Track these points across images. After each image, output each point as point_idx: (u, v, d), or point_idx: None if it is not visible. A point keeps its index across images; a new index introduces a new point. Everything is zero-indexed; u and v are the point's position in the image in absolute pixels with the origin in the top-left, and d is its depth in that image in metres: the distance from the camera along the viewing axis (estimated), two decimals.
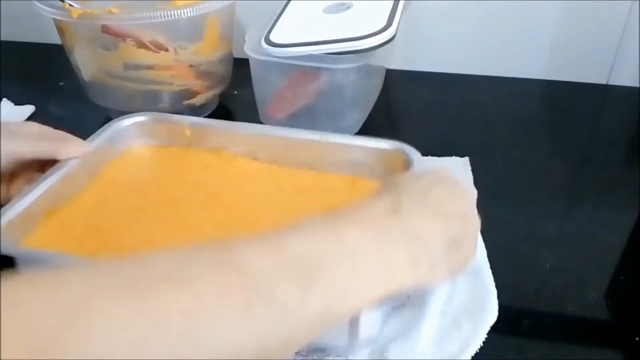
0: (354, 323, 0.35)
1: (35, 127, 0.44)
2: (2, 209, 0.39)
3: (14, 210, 0.39)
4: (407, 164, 0.48)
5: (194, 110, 0.66)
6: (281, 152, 0.50)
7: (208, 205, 0.46)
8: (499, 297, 0.41)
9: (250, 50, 0.58)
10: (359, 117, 0.63)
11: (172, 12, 0.55)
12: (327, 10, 0.61)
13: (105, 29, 0.57)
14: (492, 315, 0.40)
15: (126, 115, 0.52)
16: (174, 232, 0.43)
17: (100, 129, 0.49)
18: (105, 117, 0.67)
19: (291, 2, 0.64)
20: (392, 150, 0.48)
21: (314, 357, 0.37)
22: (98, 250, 0.40)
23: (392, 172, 0.49)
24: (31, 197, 0.41)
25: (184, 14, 0.55)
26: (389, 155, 0.48)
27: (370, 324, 0.37)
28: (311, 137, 0.49)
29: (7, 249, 0.36)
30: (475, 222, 0.35)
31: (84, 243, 0.41)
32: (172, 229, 0.43)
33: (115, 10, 0.55)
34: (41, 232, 0.41)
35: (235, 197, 0.47)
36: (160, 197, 0.47)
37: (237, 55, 0.68)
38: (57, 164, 0.44)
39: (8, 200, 0.41)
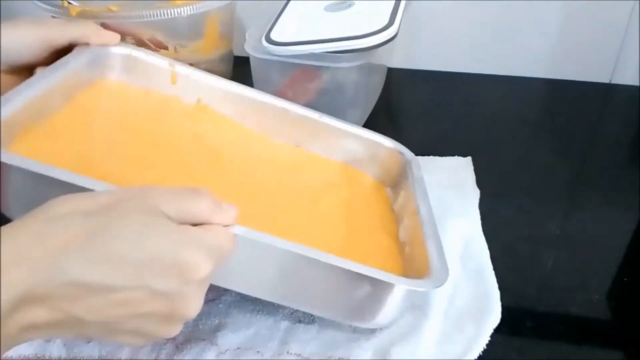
0: None
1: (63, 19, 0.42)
2: None
3: None
4: (402, 164, 0.49)
5: None
6: (273, 123, 0.48)
7: (190, 153, 0.43)
8: (501, 299, 0.41)
9: (250, 48, 0.58)
10: (360, 116, 0.63)
11: (172, 11, 0.54)
12: (329, 9, 0.61)
13: (104, 27, 0.56)
14: (495, 316, 0.39)
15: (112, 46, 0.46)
16: (154, 168, 0.40)
17: (78, 51, 0.42)
18: None
19: (292, 1, 0.64)
20: (386, 147, 0.50)
21: (314, 357, 0.36)
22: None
23: (385, 167, 0.50)
24: (9, 107, 0.35)
25: (184, 12, 0.55)
26: (384, 151, 0.50)
27: None
28: (309, 114, 0.49)
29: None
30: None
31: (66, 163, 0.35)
32: (151, 166, 0.40)
33: (114, 9, 0.54)
34: (20, 147, 0.35)
35: (216, 156, 0.44)
36: (139, 135, 0.43)
37: (237, 53, 0.68)
38: (39, 72, 0.39)
39: None
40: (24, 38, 0.39)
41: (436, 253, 0.38)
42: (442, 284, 0.35)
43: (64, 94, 0.40)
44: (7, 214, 0.32)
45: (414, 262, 0.40)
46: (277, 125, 0.49)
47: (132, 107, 0.45)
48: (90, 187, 0.30)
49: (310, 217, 0.44)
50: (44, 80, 0.38)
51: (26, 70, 0.40)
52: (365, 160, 0.51)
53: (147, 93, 0.46)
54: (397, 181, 0.49)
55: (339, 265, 0.33)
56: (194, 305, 0.28)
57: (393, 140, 0.51)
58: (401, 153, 0.50)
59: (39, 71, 0.40)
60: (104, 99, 0.44)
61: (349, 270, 0.33)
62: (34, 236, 0.24)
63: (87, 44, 0.42)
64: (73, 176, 0.30)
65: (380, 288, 0.35)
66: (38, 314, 0.24)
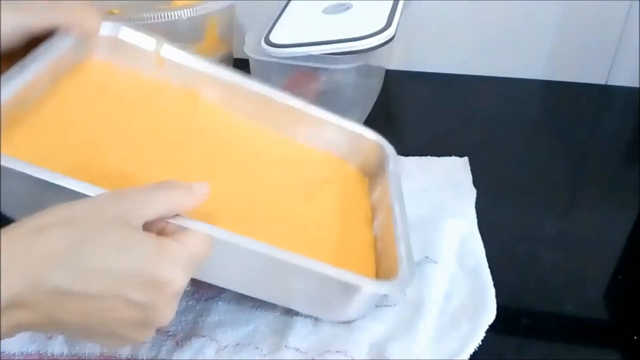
0: None
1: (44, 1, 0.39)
2: None
3: None
4: (381, 157, 0.50)
5: None
6: (259, 109, 0.49)
7: (178, 142, 0.43)
8: (497, 297, 0.41)
9: (250, 50, 0.59)
10: (359, 118, 0.63)
11: (172, 13, 0.55)
12: (327, 11, 0.61)
13: None
14: (490, 314, 0.40)
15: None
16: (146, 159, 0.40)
17: (60, 37, 0.39)
18: None
19: (291, 3, 0.64)
20: (368, 139, 0.50)
21: (315, 357, 0.37)
22: (74, 168, 0.35)
23: (366, 159, 0.51)
24: None
25: (184, 15, 0.55)
26: (365, 142, 0.50)
27: None
28: (294, 103, 0.49)
29: None
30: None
31: (59, 159, 0.35)
32: (139, 159, 0.40)
33: (115, 11, 0.55)
34: (9, 144, 0.34)
35: (202, 142, 0.45)
36: (127, 126, 0.42)
37: (237, 55, 0.68)
38: (19, 63, 0.37)
39: None
40: (4, 26, 0.36)
41: (405, 255, 0.39)
42: (407, 287, 0.37)
43: (50, 82, 0.39)
44: (7, 213, 0.33)
45: (385, 260, 0.41)
46: (263, 111, 0.49)
47: (119, 95, 0.44)
48: (83, 192, 0.30)
49: (296, 209, 0.44)
50: (27, 71, 0.36)
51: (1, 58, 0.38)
52: (349, 151, 0.51)
53: (133, 77, 0.45)
54: (375, 173, 0.50)
55: (308, 267, 0.35)
56: (167, 313, 0.29)
57: (376, 134, 0.51)
58: (382, 146, 0.50)
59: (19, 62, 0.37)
60: (90, 87, 0.43)
61: (317, 272, 0.35)
62: (20, 247, 0.26)
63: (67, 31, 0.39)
64: (65, 180, 0.31)
65: (347, 288, 0.36)
66: (24, 316, 0.26)
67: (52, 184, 0.30)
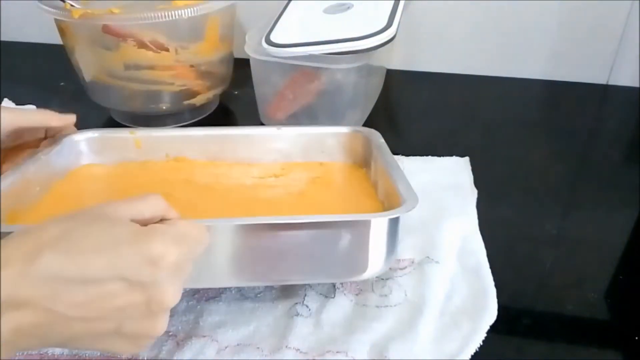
0: None
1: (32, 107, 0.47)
2: None
3: None
4: (367, 144, 0.50)
5: (195, 111, 0.66)
6: (242, 149, 0.51)
7: (198, 194, 0.46)
8: (498, 297, 0.41)
9: (250, 50, 0.59)
10: (359, 117, 0.63)
11: (173, 12, 0.55)
12: (328, 11, 0.61)
13: (106, 29, 0.57)
14: (491, 314, 0.40)
15: (76, 131, 0.51)
16: None
17: (49, 147, 0.47)
18: (107, 117, 0.67)
19: (291, 3, 0.64)
20: (349, 133, 0.52)
21: (315, 357, 0.37)
22: None
23: (354, 153, 0.52)
24: None
25: (185, 14, 0.55)
26: (348, 137, 0.52)
27: None
28: (269, 132, 0.52)
29: None
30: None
31: None
32: None
33: (116, 11, 0.55)
34: None
35: (204, 197, 0.47)
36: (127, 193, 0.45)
37: (237, 55, 0.68)
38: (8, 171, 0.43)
39: None
40: (5, 125, 0.43)
41: (404, 187, 0.40)
42: (413, 208, 0.37)
43: (41, 187, 0.45)
44: None
45: (390, 204, 0.41)
46: (245, 149, 0.51)
47: (109, 183, 0.48)
48: None
49: (293, 204, 0.46)
50: (17, 175, 0.42)
51: None
52: (337, 151, 0.52)
53: (121, 166, 0.50)
54: (367, 161, 0.51)
55: (313, 220, 0.36)
56: (170, 291, 0.29)
57: (348, 127, 0.52)
58: (360, 133, 0.51)
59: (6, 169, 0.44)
60: (81, 183, 0.48)
61: (325, 222, 0.36)
62: (11, 244, 0.26)
63: (49, 129, 0.48)
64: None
65: (358, 231, 0.37)
66: (23, 316, 0.26)
67: None
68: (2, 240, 0.27)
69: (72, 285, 0.26)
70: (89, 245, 0.27)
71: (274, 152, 0.51)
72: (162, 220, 0.31)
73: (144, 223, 0.30)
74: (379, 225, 0.37)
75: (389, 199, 0.42)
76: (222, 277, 0.37)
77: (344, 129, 0.52)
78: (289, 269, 0.38)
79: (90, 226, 0.28)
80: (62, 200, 0.45)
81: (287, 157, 0.52)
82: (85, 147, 0.50)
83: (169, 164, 0.51)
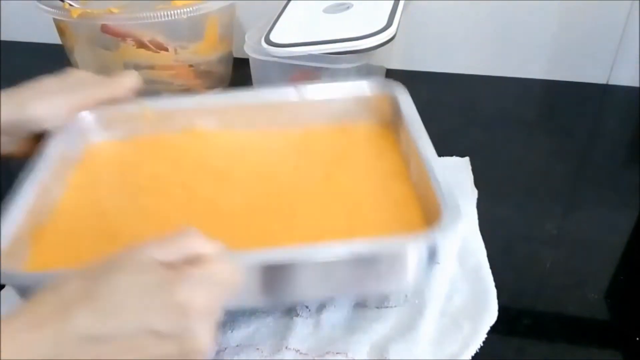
0: None
1: (83, 74, 0.47)
2: None
3: (3, 239, 0.35)
4: (394, 104, 0.48)
5: None
6: (259, 116, 0.49)
7: (218, 185, 0.44)
8: (498, 297, 0.41)
9: (250, 50, 0.59)
10: None
11: (172, 12, 0.55)
12: (327, 10, 0.61)
13: (105, 29, 0.57)
14: (491, 315, 0.40)
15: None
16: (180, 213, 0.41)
17: (50, 139, 0.44)
18: None
19: (291, 2, 0.64)
20: (375, 95, 0.49)
21: (315, 358, 0.37)
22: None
23: (380, 113, 0.49)
24: (13, 221, 0.37)
25: (184, 14, 0.55)
26: (373, 99, 0.49)
27: None
28: (287, 97, 0.49)
29: (10, 277, 0.34)
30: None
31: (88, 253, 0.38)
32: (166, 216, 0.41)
33: (115, 10, 0.55)
34: (38, 255, 0.38)
35: (220, 176, 0.45)
36: (145, 188, 0.44)
37: (237, 55, 0.68)
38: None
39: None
40: (58, 109, 0.45)
41: (445, 194, 0.36)
42: (454, 230, 0.33)
43: (59, 182, 0.43)
44: None
45: (428, 206, 0.38)
46: (260, 116, 0.49)
47: (126, 166, 0.46)
48: None
49: (319, 192, 0.43)
50: (33, 184, 0.40)
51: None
52: (356, 112, 0.49)
53: (133, 143, 0.48)
54: (395, 122, 0.48)
55: (352, 253, 0.34)
56: (201, 339, 0.28)
57: (376, 82, 0.50)
58: (388, 94, 0.49)
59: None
60: (97, 169, 0.46)
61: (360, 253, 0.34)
62: (40, 303, 0.27)
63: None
64: None
65: (393, 255, 0.35)
66: None
67: None
68: (30, 302, 0.27)
69: (105, 342, 0.26)
70: (114, 301, 0.27)
71: (295, 118, 0.49)
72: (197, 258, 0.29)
73: (175, 265, 0.29)
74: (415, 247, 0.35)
75: (423, 188, 0.40)
76: (254, 298, 0.36)
77: (372, 86, 0.49)
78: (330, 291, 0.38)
79: (115, 274, 0.27)
80: (82, 198, 0.43)
81: (308, 123, 0.49)
82: (94, 123, 0.48)
83: (184, 138, 0.48)
